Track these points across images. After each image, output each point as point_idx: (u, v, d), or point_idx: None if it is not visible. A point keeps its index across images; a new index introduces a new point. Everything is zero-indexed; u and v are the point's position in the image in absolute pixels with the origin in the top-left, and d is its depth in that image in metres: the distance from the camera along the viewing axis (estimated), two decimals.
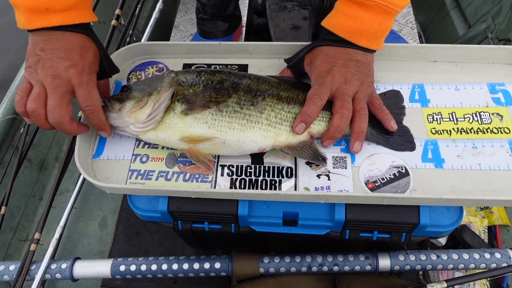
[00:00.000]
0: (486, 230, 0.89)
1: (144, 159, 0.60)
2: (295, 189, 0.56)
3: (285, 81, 0.62)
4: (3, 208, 0.78)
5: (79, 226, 1.01)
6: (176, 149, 0.60)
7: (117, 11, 0.98)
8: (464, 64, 0.67)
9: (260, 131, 0.56)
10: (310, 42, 0.64)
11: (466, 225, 0.85)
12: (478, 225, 0.89)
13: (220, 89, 0.57)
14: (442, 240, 0.86)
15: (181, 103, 0.56)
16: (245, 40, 1.29)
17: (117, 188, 0.56)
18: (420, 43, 1.36)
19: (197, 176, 0.58)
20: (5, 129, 0.95)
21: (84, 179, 0.78)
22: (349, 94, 0.57)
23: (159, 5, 1.08)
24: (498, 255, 0.72)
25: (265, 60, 0.71)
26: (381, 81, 0.66)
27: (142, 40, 0.99)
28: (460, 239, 0.83)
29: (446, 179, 0.55)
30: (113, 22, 0.97)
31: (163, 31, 1.40)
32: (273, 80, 0.61)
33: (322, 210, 0.58)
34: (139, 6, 1.05)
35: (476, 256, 0.72)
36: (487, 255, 0.72)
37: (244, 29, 1.29)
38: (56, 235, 0.74)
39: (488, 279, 0.85)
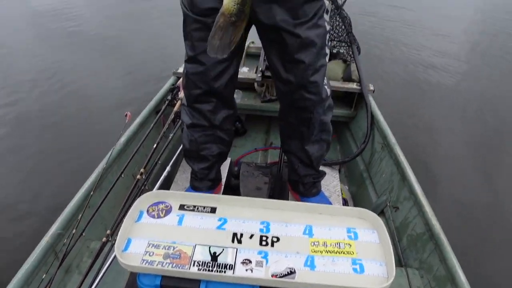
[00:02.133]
0: None
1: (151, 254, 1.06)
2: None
3: None
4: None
5: None
6: (169, 251, 1.07)
7: (142, 170, 1.58)
8: (336, 216, 1.20)
9: None
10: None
11: None
12: None
13: None
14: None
15: None
16: (223, 193, 1.87)
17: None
18: (343, 205, 1.94)
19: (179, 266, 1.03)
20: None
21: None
22: None
23: (168, 168, 1.69)
24: None
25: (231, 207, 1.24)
26: (290, 222, 1.18)
27: (154, 189, 1.54)
28: None
29: (315, 276, 1.01)
30: (138, 176, 1.55)
31: (165, 184, 1.98)
32: None
33: None
34: (156, 167, 1.66)
35: None
36: None
37: (223, 186, 1.88)
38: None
39: None
